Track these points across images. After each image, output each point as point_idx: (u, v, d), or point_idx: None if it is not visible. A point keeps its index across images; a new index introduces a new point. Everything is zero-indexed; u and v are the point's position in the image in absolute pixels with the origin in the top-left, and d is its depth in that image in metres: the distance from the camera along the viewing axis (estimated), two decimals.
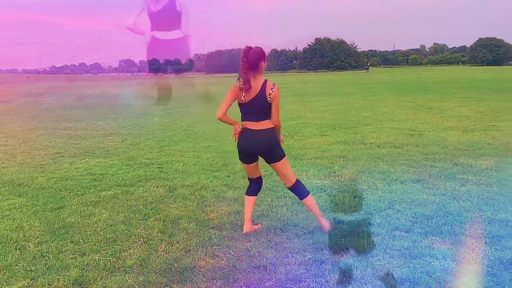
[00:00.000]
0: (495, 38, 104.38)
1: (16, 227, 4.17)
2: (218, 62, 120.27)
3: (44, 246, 3.72)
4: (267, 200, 4.74)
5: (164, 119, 13.13)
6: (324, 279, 3.05)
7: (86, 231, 4.02)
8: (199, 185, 5.43)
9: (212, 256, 3.45)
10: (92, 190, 5.41)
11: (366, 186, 5.22)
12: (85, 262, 3.38)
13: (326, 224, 3.87)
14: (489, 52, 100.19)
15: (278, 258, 3.39)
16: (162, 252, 3.54)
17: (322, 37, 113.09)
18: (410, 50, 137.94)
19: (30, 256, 3.53)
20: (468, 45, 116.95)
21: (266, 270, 3.20)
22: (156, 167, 6.53)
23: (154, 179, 5.84)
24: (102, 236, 3.89)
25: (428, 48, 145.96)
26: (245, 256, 3.44)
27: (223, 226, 4.06)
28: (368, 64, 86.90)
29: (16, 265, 3.38)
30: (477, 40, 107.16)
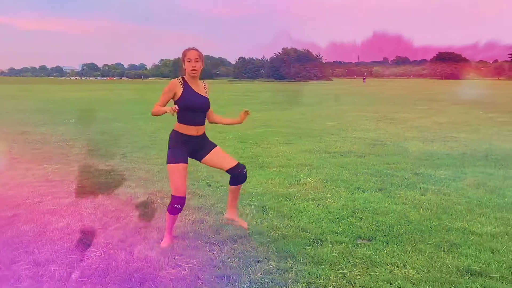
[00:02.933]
0: (453, 53, 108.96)
1: None
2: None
3: None
4: None
5: (127, 124, 12.86)
6: None
7: (41, 240, 3.84)
8: (162, 193, 5.33)
9: (174, 266, 3.37)
10: (50, 197, 5.19)
11: (330, 194, 5.28)
12: (40, 273, 3.23)
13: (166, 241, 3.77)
14: (447, 66, 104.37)
15: (242, 267, 3.35)
16: (122, 262, 3.42)
17: (289, 47, 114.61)
18: (374, 62, 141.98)
19: None
20: (428, 59, 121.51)
21: (229, 280, 3.15)
22: (117, 174, 6.36)
23: (115, 186, 5.68)
24: (59, 246, 3.73)
25: (391, 61, 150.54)
26: (208, 265, 3.38)
27: (186, 235, 3.98)
28: (365, 74, 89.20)
29: None
30: (436, 54, 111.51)
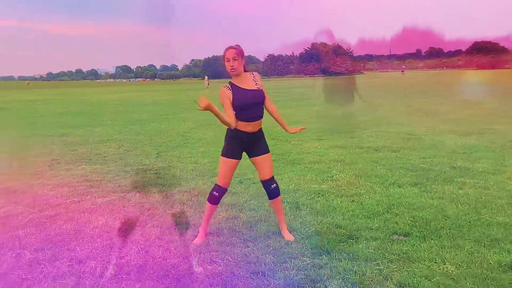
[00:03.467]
0: (490, 42, 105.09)
1: (12, 235, 4.13)
2: (215, 67, 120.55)
3: (40, 253, 3.68)
4: (265, 205, 4.71)
5: (161, 124, 13.10)
6: (323, 284, 3.03)
7: (82, 238, 3.99)
8: (196, 191, 5.41)
9: (209, 262, 3.42)
10: (89, 196, 5.37)
11: (364, 190, 5.21)
12: (82, 270, 3.35)
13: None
14: (483, 56, 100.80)
15: (276, 263, 3.36)
16: (160, 259, 3.51)
17: (318, 42, 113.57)
18: (406, 54, 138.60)
19: (26, 264, 3.49)
20: (463, 49, 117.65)
21: (264, 276, 3.17)
22: (153, 173, 6.51)
23: (151, 185, 5.81)
24: (99, 243, 3.86)
25: (424, 52, 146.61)
26: (243, 261, 3.41)
27: (220, 232, 4.03)
28: (403, 66, 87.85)
29: (12, 273, 3.34)
30: (472, 44, 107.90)
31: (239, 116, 3.62)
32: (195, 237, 3.89)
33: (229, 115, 3.57)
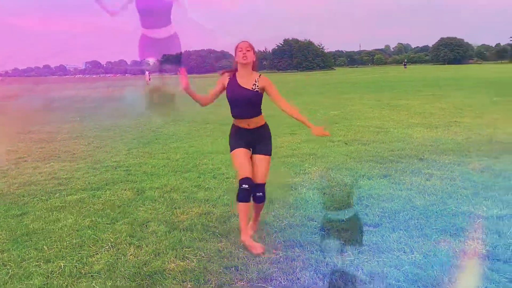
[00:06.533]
0: (455, 38, 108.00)
1: None
2: (186, 63, 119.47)
3: (5, 254, 3.57)
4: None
5: (132, 120, 12.89)
6: (295, 277, 3.06)
7: (50, 237, 3.89)
8: (168, 187, 5.36)
9: (182, 259, 3.40)
10: (57, 195, 5.24)
11: (335, 182, 5.29)
12: (50, 270, 3.27)
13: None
14: (450, 51, 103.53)
15: (250, 257, 3.37)
16: (131, 256, 3.46)
17: (290, 38, 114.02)
18: (375, 50, 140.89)
19: None
20: (430, 45, 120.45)
21: (237, 270, 3.18)
22: (124, 170, 6.40)
23: (121, 182, 5.72)
24: (67, 242, 3.77)
25: (393, 48, 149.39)
26: (216, 257, 3.41)
27: (193, 228, 4.01)
28: (405, 61, 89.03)
29: None
30: (439, 40, 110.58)
31: (231, 111, 3.70)
32: (167, 233, 3.85)
33: (205, 95, 3.74)
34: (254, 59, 3.68)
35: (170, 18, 4.94)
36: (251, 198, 3.59)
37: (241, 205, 3.53)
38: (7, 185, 5.77)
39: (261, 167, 3.64)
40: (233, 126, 3.75)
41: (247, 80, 3.65)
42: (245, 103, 3.63)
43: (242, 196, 3.52)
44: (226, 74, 3.71)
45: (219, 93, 3.73)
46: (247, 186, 3.49)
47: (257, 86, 3.64)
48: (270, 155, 3.71)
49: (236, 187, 3.57)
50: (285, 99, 3.72)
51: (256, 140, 3.69)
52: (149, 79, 47.34)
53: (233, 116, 3.71)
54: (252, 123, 3.66)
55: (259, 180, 3.62)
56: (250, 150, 3.69)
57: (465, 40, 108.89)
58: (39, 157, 7.68)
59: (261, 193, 3.63)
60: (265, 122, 3.76)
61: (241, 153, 3.62)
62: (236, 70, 3.70)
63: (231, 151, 3.69)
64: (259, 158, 3.66)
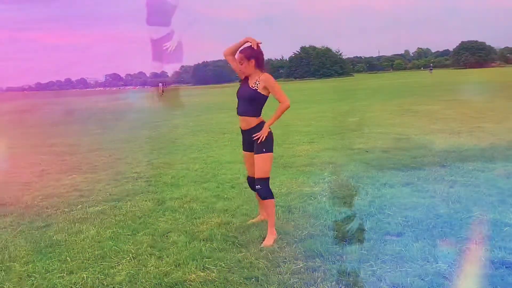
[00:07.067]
0: (476, 41, 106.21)
1: (1, 248, 4.07)
2: (204, 74, 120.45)
3: (30, 266, 3.63)
4: (257, 210, 4.70)
5: (152, 131, 13.05)
6: (317, 287, 3.02)
7: (73, 249, 3.94)
8: (188, 197, 5.38)
9: (202, 269, 3.39)
10: (79, 206, 5.32)
11: (355, 191, 5.22)
12: (73, 281, 3.31)
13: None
14: (471, 55, 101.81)
15: (270, 268, 3.35)
16: (152, 267, 3.48)
17: (307, 45, 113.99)
18: (395, 55, 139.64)
19: (16, 277, 3.44)
20: (451, 49, 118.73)
21: (258, 281, 3.15)
22: (144, 181, 6.46)
23: (142, 193, 5.77)
24: (89, 253, 3.81)
25: (412, 53, 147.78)
26: (236, 267, 3.39)
27: (213, 238, 4.01)
28: (431, 65, 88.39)
29: (2, 287, 3.29)
30: (459, 44, 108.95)
31: None
32: (188, 244, 3.86)
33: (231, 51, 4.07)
34: (253, 63, 3.85)
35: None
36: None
37: (263, 201, 4.02)
38: (31, 197, 5.89)
39: (256, 164, 3.90)
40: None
41: (251, 79, 3.90)
42: (242, 99, 3.92)
43: (259, 193, 3.97)
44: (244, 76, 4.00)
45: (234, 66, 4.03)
46: (258, 186, 3.90)
47: (258, 85, 3.82)
48: (264, 152, 3.87)
49: None
50: (286, 96, 3.88)
51: (250, 139, 3.95)
52: (162, 91, 48.34)
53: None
54: (244, 121, 3.93)
55: (256, 175, 3.93)
56: (252, 151, 3.98)
57: (487, 43, 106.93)
58: (62, 170, 7.82)
59: (258, 186, 3.89)
60: (256, 124, 3.90)
61: (245, 156, 4.11)
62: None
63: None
64: (257, 156, 3.92)
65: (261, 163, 3.86)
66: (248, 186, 4.41)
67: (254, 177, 3.96)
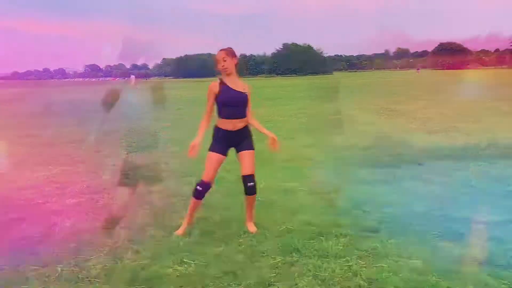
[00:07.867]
0: (455, 43, 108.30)
1: None
2: (187, 67, 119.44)
3: (1, 259, 3.54)
4: (238, 204, 4.70)
5: (131, 124, 12.87)
6: (294, 282, 3.05)
7: (48, 241, 3.87)
8: (167, 191, 5.34)
9: (180, 263, 3.38)
10: (55, 198, 5.22)
11: (334, 187, 5.27)
12: (47, 274, 3.25)
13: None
14: (449, 57, 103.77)
15: (248, 262, 3.36)
16: (128, 261, 3.44)
17: (289, 43, 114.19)
18: (376, 54, 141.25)
19: None
20: (429, 50, 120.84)
21: (235, 275, 3.16)
22: (122, 174, 6.38)
23: (121, 185, 5.70)
24: (65, 246, 3.75)
25: (392, 52, 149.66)
26: (214, 261, 3.39)
27: (192, 232, 4.00)
28: (419, 65, 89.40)
29: None
30: (438, 45, 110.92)
31: (221, 113, 3.95)
32: (166, 238, 3.84)
33: (205, 119, 3.99)
34: (235, 62, 3.94)
35: None
36: (247, 190, 3.98)
37: (194, 200, 3.98)
38: (6, 188, 5.75)
39: (249, 160, 3.98)
40: (217, 128, 3.99)
41: (237, 84, 3.96)
42: (239, 104, 3.95)
43: (196, 194, 3.95)
44: (214, 84, 3.94)
45: (213, 105, 3.97)
46: (201, 188, 3.91)
47: (246, 90, 4.00)
48: (254, 149, 4.06)
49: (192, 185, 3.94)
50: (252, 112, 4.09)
51: (240, 140, 4.00)
52: (135, 83, 48.55)
53: (223, 117, 3.94)
54: (237, 123, 3.95)
55: (249, 171, 3.97)
56: (226, 155, 3.99)
57: (464, 46, 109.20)
58: (38, 161, 7.65)
59: (252, 183, 3.96)
60: (246, 124, 4.06)
61: (214, 158, 3.94)
62: (221, 79, 3.97)
63: (209, 150, 3.98)
64: (247, 153, 4.00)
65: (252, 160, 4.01)
66: (204, 192, 3.96)
67: (243, 175, 3.99)
